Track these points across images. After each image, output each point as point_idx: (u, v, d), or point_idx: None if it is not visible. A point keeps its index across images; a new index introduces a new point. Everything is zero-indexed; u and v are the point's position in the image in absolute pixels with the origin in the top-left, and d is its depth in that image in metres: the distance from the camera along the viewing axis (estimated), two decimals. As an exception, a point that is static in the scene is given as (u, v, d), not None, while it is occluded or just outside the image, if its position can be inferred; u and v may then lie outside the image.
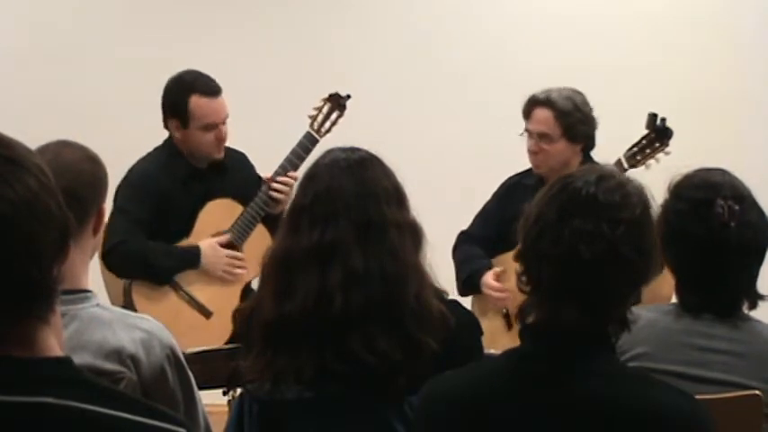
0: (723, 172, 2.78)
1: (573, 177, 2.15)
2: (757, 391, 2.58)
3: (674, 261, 2.68)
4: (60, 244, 1.48)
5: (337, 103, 4.62)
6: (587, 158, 4.42)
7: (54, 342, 1.51)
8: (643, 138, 4.38)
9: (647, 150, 4.37)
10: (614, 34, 5.90)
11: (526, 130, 4.41)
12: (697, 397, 2.16)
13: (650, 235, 2.13)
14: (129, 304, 4.37)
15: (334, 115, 4.60)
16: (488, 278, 4.40)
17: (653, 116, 4.38)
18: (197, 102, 4.44)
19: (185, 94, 4.45)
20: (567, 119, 4.34)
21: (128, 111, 5.71)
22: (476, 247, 4.55)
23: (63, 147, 2.50)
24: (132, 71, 5.82)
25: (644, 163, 4.37)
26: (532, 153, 4.39)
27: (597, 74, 5.38)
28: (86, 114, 5.83)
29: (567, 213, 2.08)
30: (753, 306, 2.75)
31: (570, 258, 2.05)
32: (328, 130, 4.56)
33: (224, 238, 4.49)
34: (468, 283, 4.50)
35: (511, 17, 5.99)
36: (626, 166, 4.34)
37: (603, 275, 2.06)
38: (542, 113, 4.37)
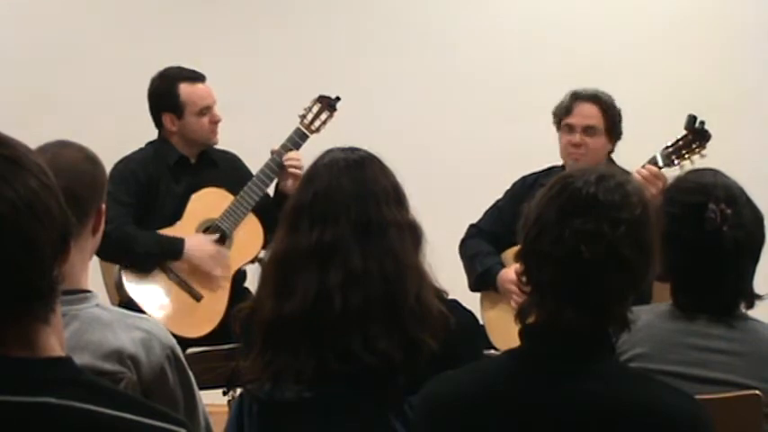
0: (714, 172, 2.76)
1: (573, 177, 2.14)
2: (757, 391, 2.58)
3: (668, 264, 2.67)
4: (61, 244, 1.48)
5: (327, 104, 4.67)
6: (609, 159, 4.43)
7: (55, 342, 1.51)
8: (680, 138, 4.34)
9: (684, 151, 4.33)
10: (615, 34, 5.89)
11: (566, 125, 4.43)
12: (697, 397, 2.16)
13: (650, 235, 2.13)
14: (119, 287, 4.41)
15: (323, 115, 4.65)
16: (511, 274, 4.32)
17: (692, 117, 4.35)
18: (187, 89, 4.57)
19: (173, 85, 4.57)
20: (612, 114, 4.41)
21: (127, 111, 5.69)
22: (484, 242, 4.55)
23: (62, 147, 2.50)
24: (132, 71, 5.81)
25: (679, 163, 4.33)
26: (575, 146, 4.41)
27: (597, 74, 5.37)
28: (86, 114, 5.83)
29: (568, 213, 2.08)
30: (750, 305, 2.74)
31: (570, 258, 2.05)
32: (318, 129, 4.62)
33: (214, 237, 4.52)
34: (483, 279, 4.49)
35: (511, 17, 5.99)
36: (661, 164, 4.31)
37: (604, 275, 2.06)
38: (588, 108, 4.42)
